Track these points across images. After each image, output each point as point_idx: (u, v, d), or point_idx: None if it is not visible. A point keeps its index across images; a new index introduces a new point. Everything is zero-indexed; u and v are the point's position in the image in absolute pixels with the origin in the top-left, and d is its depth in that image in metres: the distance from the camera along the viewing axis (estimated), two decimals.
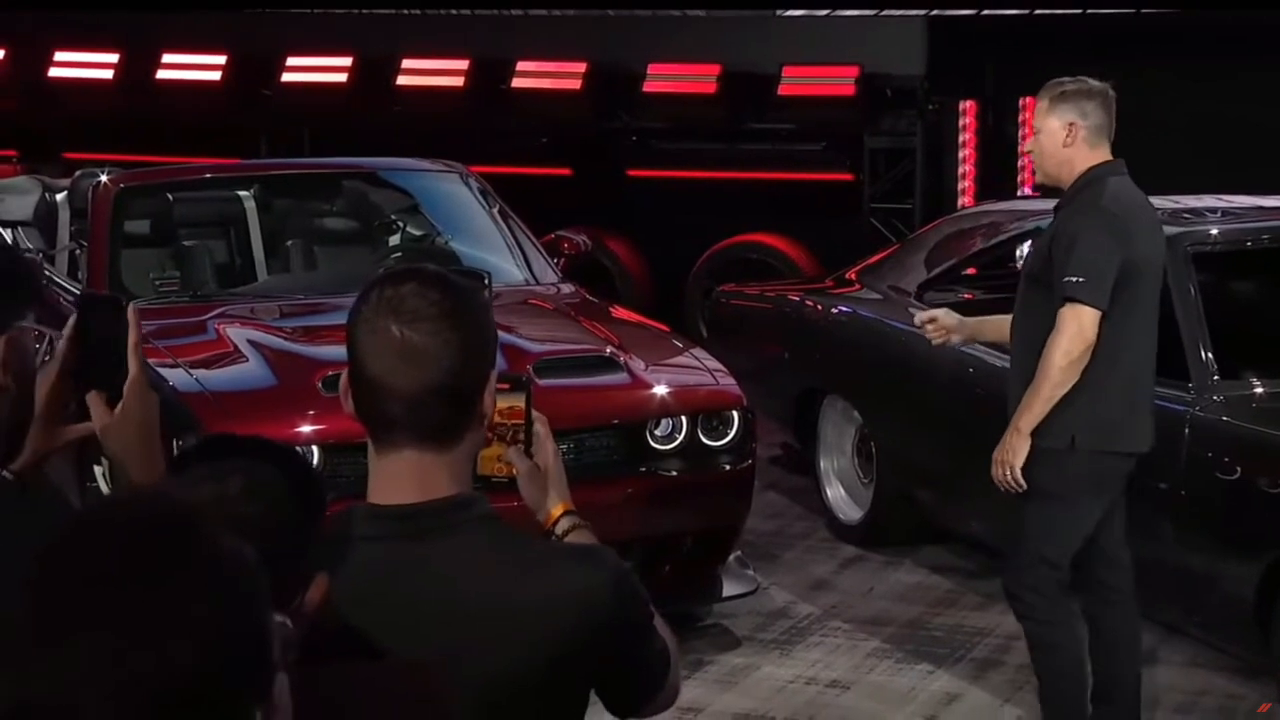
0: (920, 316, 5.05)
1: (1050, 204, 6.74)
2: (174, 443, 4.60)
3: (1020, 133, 9.54)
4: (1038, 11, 9.99)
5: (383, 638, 1.79)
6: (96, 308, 2.05)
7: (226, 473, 1.70)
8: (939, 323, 4.95)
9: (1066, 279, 4.42)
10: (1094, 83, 4.63)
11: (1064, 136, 4.55)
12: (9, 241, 6.96)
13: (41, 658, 1.13)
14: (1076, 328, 4.41)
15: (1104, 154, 4.58)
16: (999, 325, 4.92)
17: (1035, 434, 4.50)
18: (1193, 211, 6.11)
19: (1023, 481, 4.51)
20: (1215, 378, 5.27)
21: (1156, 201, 6.37)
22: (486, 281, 5.77)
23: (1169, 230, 5.74)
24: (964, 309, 5.44)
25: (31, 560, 1.19)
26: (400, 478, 1.87)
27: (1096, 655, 4.78)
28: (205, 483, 1.69)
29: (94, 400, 2.02)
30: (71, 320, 2.03)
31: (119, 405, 2.01)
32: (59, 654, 1.13)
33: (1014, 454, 4.51)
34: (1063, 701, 4.70)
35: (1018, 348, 4.65)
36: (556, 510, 2.12)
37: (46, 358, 2.09)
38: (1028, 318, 4.61)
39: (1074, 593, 4.72)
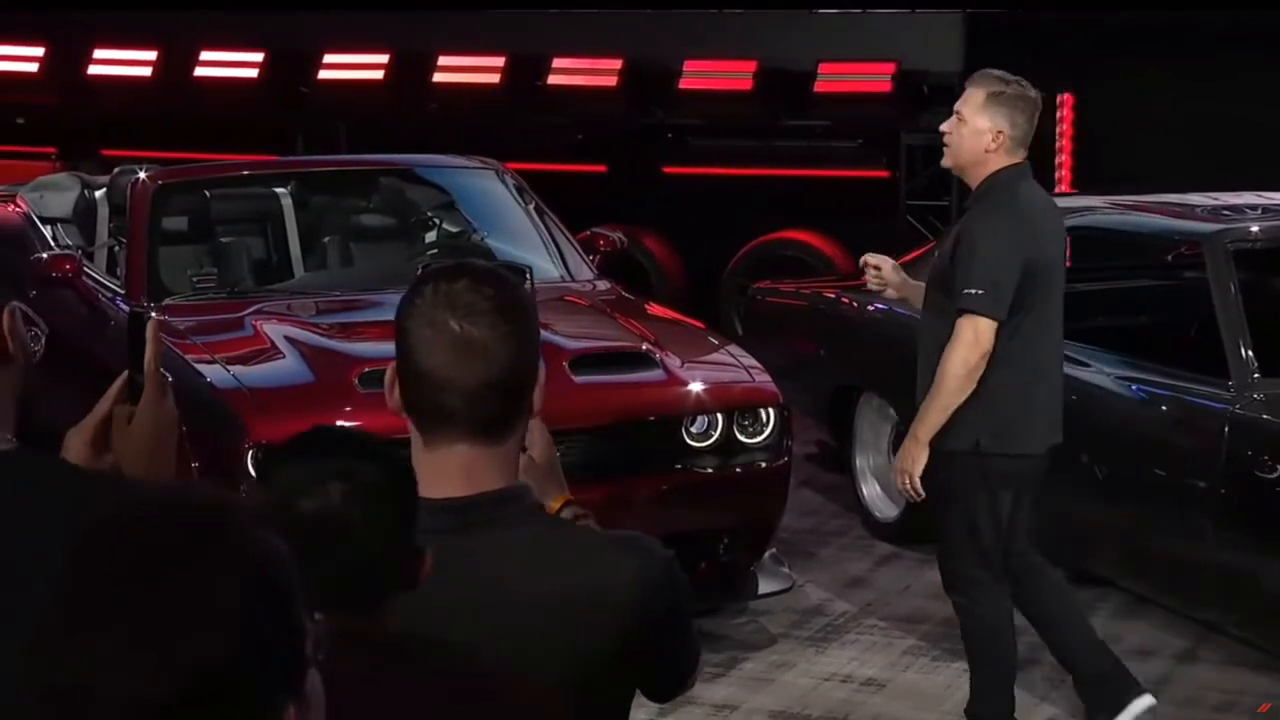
0: (868, 257, 4.96)
1: (1087, 200, 6.72)
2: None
3: (1058, 129, 9.51)
4: (1076, 8, 9.94)
5: (434, 632, 1.80)
6: (134, 323, 2.13)
7: (323, 478, 1.68)
8: (883, 272, 4.90)
9: (966, 290, 4.46)
10: (1031, 90, 4.63)
11: (989, 140, 4.57)
12: None
13: (70, 648, 1.14)
14: (973, 338, 4.46)
15: (1018, 159, 4.61)
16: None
17: (941, 438, 4.55)
18: (1232, 209, 6.08)
19: (921, 490, 4.59)
20: (1255, 375, 5.24)
21: (1194, 199, 6.37)
22: (528, 276, 5.77)
23: (1210, 227, 5.73)
24: None
25: (65, 553, 1.20)
26: (450, 471, 1.88)
27: (1047, 637, 4.91)
28: (305, 496, 1.67)
29: (119, 411, 2.09)
30: (123, 376, 2.10)
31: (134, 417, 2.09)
32: (84, 645, 1.14)
33: (914, 463, 4.57)
34: (995, 685, 4.81)
35: (927, 348, 4.66)
36: (557, 502, 2.13)
37: (36, 348, 2.16)
38: (936, 319, 4.62)
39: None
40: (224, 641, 1.15)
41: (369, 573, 1.69)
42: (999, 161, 4.58)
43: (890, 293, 5.02)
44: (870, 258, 4.96)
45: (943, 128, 4.69)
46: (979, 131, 4.57)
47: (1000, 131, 4.55)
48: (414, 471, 1.76)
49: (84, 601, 1.16)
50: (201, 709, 1.14)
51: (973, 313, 4.44)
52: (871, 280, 4.96)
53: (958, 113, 4.64)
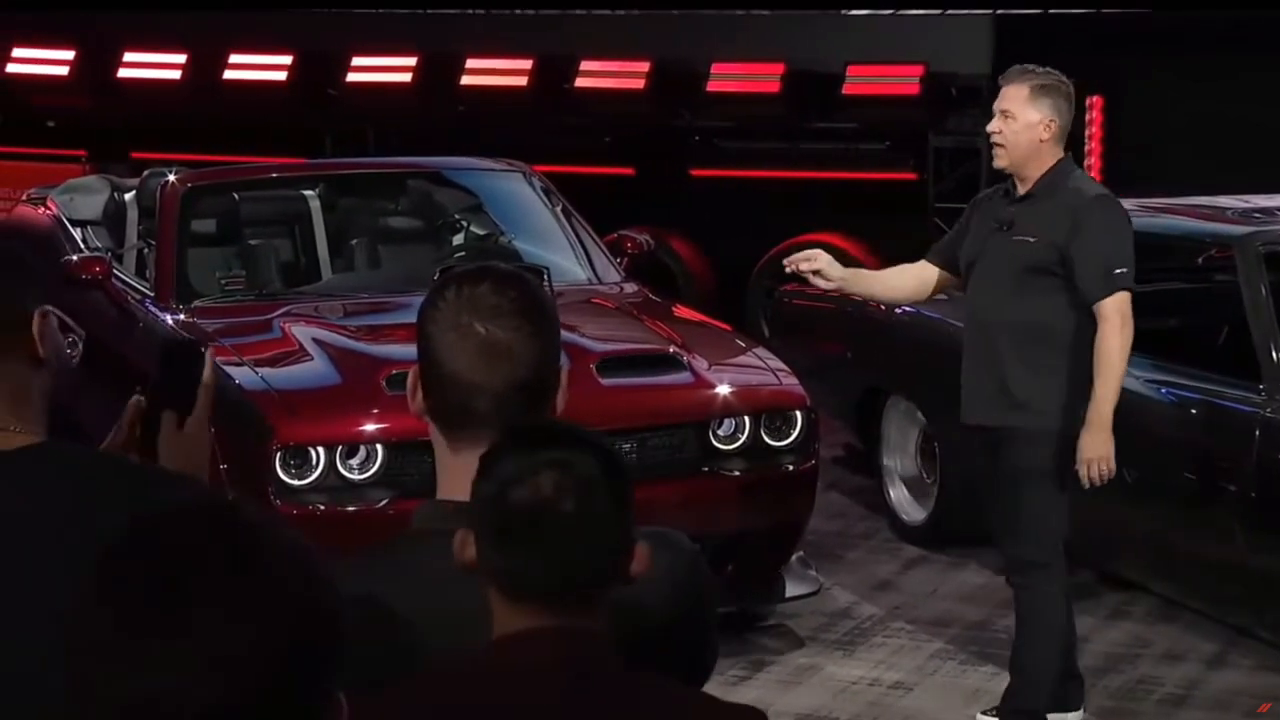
0: (798, 263, 4.79)
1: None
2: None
3: (1087, 132, 9.47)
4: (1106, 10, 9.91)
5: (466, 636, 1.80)
6: (181, 350, 2.30)
7: (537, 468, 1.66)
8: (824, 270, 4.79)
9: (1118, 270, 4.59)
10: (1065, 79, 4.76)
11: (1041, 131, 4.69)
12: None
13: (135, 658, 1.16)
14: (1122, 317, 4.59)
15: (1063, 149, 4.76)
16: (870, 281, 5.12)
17: (1042, 418, 4.63)
18: (1264, 211, 6.05)
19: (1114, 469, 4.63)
20: None
21: (1224, 201, 6.34)
22: (545, 277, 5.78)
23: (1241, 230, 5.70)
24: None
25: (98, 559, 1.21)
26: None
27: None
28: (517, 487, 1.66)
29: (168, 418, 2.17)
30: (134, 403, 2.18)
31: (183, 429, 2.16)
32: (150, 654, 1.15)
33: (1106, 446, 4.60)
34: (1045, 673, 4.82)
35: (1013, 332, 4.70)
36: None
37: (72, 354, 2.20)
38: (1033, 305, 4.69)
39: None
40: (282, 634, 1.17)
41: (583, 565, 1.68)
42: (1053, 152, 4.72)
43: (828, 286, 4.86)
44: (800, 261, 4.78)
45: (990, 128, 4.79)
46: (1031, 124, 4.69)
47: (1052, 120, 4.69)
48: (628, 466, 1.74)
49: (137, 611, 1.16)
50: (267, 705, 1.16)
51: (1125, 290, 4.59)
52: (817, 281, 4.82)
53: (1003, 111, 4.74)
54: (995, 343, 4.75)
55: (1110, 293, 4.58)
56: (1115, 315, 4.58)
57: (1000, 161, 4.80)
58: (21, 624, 1.77)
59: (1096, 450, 4.59)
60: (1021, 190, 4.78)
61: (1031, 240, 4.70)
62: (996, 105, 4.78)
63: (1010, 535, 4.82)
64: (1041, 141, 4.69)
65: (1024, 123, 4.68)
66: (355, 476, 5.22)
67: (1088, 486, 4.64)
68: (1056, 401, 4.64)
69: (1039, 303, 4.67)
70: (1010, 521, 4.79)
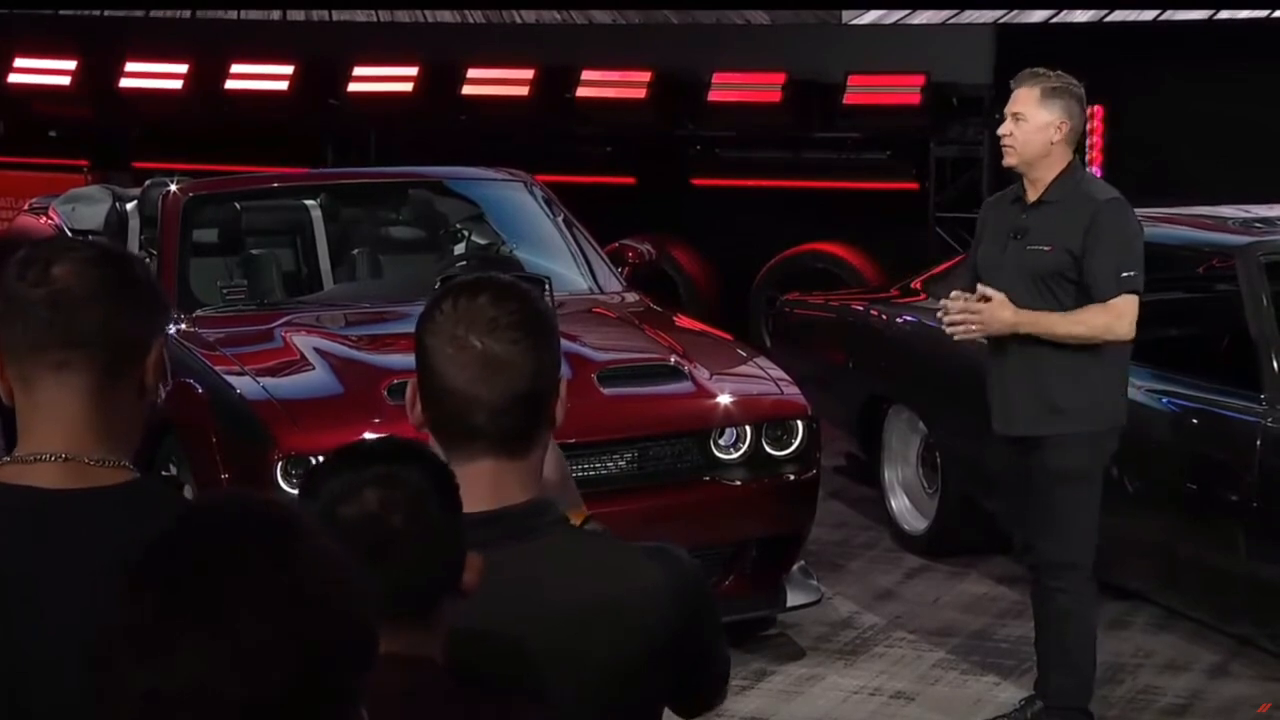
0: (985, 291, 4.71)
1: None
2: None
3: (1089, 141, 9.47)
4: (1109, 18, 9.92)
5: (465, 646, 1.80)
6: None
7: (360, 486, 1.66)
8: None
9: (1125, 274, 4.63)
10: (1076, 82, 4.79)
11: (1053, 132, 4.71)
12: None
13: (151, 643, 1.16)
14: (1125, 314, 4.63)
15: (1072, 153, 4.79)
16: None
17: (1079, 422, 4.67)
18: (1265, 221, 6.06)
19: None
20: None
21: (1225, 211, 6.34)
22: (546, 287, 5.79)
23: (1243, 239, 5.70)
24: None
25: (141, 556, 1.21)
26: (477, 486, 1.87)
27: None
28: (343, 506, 1.65)
29: None
30: None
31: None
32: (159, 643, 1.16)
33: (992, 318, 4.62)
34: (1090, 670, 4.87)
35: (1043, 341, 4.69)
36: (576, 519, 2.13)
37: (164, 387, 2.14)
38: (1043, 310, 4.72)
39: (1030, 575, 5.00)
40: (311, 639, 1.17)
41: (411, 582, 1.67)
42: (1064, 154, 4.74)
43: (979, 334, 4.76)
44: (988, 292, 4.70)
45: (1001, 130, 4.79)
46: (1042, 125, 4.70)
47: (1063, 123, 4.71)
48: (454, 475, 1.74)
49: (168, 603, 1.17)
50: (291, 707, 1.16)
51: (1134, 293, 4.64)
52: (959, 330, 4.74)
53: (1014, 114, 4.75)
54: (1028, 353, 4.74)
55: (1119, 294, 4.63)
56: (1119, 304, 4.63)
57: (1010, 160, 4.79)
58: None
59: (998, 318, 4.60)
60: (1033, 195, 4.78)
61: (1046, 250, 4.72)
62: (1008, 108, 4.79)
63: (1045, 538, 4.80)
64: (1053, 143, 4.71)
65: (1035, 124, 4.69)
66: None
67: (943, 316, 4.67)
68: (1090, 404, 4.67)
69: (1062, 309, 4.70)
70: (1045, 525, 4.79)
